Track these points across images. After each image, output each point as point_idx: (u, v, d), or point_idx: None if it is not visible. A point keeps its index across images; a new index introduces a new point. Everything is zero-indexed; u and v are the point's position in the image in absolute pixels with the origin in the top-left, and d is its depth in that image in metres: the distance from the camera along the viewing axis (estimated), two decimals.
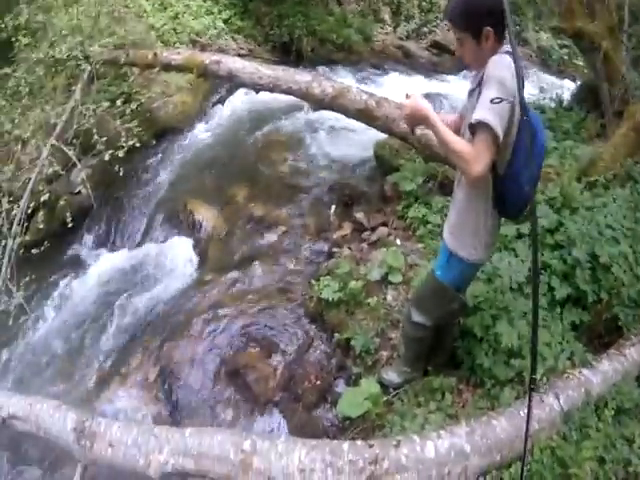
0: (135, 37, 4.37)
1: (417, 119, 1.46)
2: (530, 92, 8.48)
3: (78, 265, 3.73)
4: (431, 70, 8.16)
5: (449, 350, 2.26)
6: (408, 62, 8.41)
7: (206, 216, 3.60)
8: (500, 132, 1.27)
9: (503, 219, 1.76)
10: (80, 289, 3.43)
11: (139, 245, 3.76)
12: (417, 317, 1.97)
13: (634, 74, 6.29)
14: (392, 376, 2.22)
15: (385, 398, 2.14)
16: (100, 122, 3.49)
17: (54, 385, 2.72)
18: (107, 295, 3.28)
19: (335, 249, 3.16)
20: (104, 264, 3.65)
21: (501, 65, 1.30)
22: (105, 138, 3.29)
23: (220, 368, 2.50)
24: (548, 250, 2.96)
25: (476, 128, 1.31)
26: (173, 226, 3.69)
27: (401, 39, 9.44)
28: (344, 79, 6.80)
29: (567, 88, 7.51)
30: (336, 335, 2.48)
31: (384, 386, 2.20)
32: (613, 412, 2.18)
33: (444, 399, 2.04)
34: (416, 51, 8.96)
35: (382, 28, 9.45)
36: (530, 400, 1.52)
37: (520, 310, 2.54)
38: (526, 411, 2.04)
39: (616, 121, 4.50)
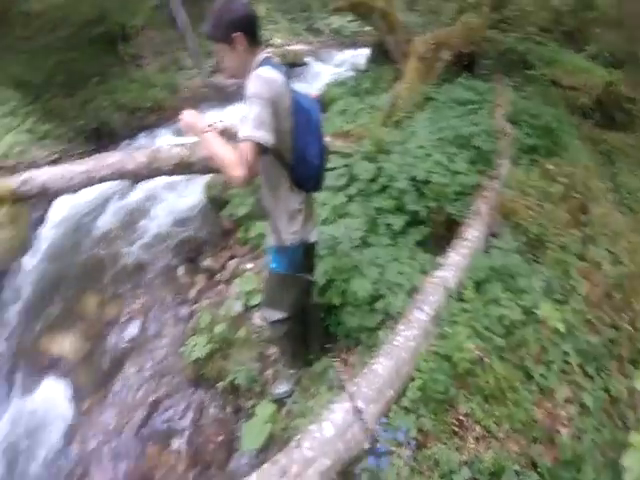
0: None
1: (192, 132, 1.58)
2: (331, 72, 9.25)
3: None
4: (239, 95, 8.36)
5: (320, 333, 2.26)
6: (219, 96, 8.57)
7: (63, 346, 3.24)
8: (263, 138, 1.43)
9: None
10: None
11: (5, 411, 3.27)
12: (274, 315, 1.97)
13: (410, 16, 7.05)
14: (282, 387, 2.18)
15: (286, 409, 2.09)
16: None
17: None
18: None
19: (195, 306, 3.05)
20: None
21: (255, 82, 1.45)
22: None
23: None
24: (378, 196, 3.16)
25: (240, 140, 1.45)
26: (35, 372, 3.24)
27: (208, 76, 9.50)
28: (162, 139, 6.77)
29: (363, 55, 8.28)
30: (219, 384, 2.38)
31: (281, 400, 2.15)
32: (473, 289, 2.33)
33: (330, 376, 2.05)
34: (223, 83, 9.07)
35: (187, 74, 9.44)
36: None
37: (366, 260, 2.63)
38: (399, 338, 2.18)
39: (405, 62, 5.03)
